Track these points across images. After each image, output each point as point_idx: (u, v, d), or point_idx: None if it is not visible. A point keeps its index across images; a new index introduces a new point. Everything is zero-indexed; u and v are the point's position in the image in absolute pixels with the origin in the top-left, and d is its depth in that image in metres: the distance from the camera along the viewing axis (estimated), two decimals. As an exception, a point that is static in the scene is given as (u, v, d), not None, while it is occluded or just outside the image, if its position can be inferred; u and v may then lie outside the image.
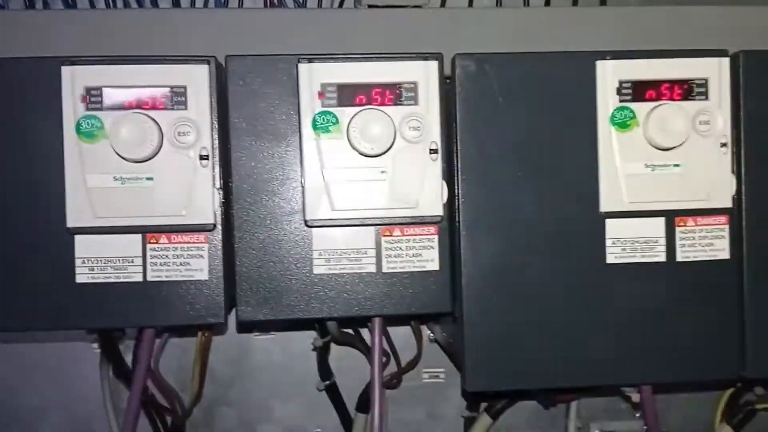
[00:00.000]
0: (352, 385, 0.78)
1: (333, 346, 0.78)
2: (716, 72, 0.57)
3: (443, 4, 0.76)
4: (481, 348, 0.56)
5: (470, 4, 0.77)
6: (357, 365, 0.79)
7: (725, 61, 0.57)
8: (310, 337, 0.77)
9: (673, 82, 0.57)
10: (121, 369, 0.68)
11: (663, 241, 0.57)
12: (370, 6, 0.66)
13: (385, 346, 0.72)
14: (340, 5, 0.75)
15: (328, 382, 0.74)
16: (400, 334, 0.78)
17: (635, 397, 0.63)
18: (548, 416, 0.83)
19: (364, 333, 0.72)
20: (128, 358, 0.68)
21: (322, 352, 0.71)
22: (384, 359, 0.71)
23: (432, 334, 0.78)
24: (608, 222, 0.56)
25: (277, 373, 0.80)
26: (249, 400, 0.80)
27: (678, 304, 0.57)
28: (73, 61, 0.52)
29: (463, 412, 0.77)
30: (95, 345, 0.74)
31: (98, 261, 0.53)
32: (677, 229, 0.57)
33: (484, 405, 0.76)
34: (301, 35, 0.63)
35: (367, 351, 0.70)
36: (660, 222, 0.57)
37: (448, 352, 0.76)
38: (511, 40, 0.65)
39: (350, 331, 0.71)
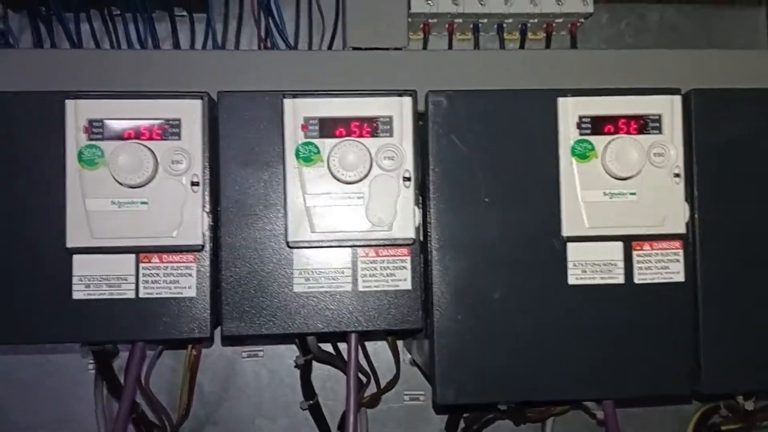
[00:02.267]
0: (337, 406, 0.81)
1: (318, 368, 0.81)
2: (669, 108, 0.62)
3: (425, 47, 0.82)
4: (450, 363, 0.59)
5: (450, 47, 0.82)
6: (340, 387, 0.82)
7: (677, 99, 0.62)
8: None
9: (629, 118, 0.61)
10: (115, 387, 0.71)
11: (621, 264, 0.61)
12: (354, 48, 0.71)
13: (366, 367, 0.76)
14: (329, 47, 0.81)
15: (311, 402, 0.77)
16: (383, 359, 0.82)
17: (600, 415, 0.66)
18: (525, 437, 0.86)
19: (345, 353, 0.75)
20: (122, 377, 0.71)
21: (305, 371, 0.74)
22: (365, 380, 0.75)
23: (411, 357, 0.81)
24: (569, 246, 0.61)
25: (265, 393, 0.84)
26: (236, 419, 0.83)
27: (636, 323, 0.61)
28: (77, 95, 0.57)
29: (442, 433, 0.80)
30: (91, 366, 0.78)
31: (94, 279, 0.57)
32: (634, 252, 0.61)
33: (461, 426, 0.79)
34: (291, 75, 0.67)
35: (346, 369, 0.73)
36: (618, 246, 0.61)
37: (423, 371, 0.80)
38: (486, 81, 0.69)
39: (331, 349, 0.74)
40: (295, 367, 0.75)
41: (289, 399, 0.83)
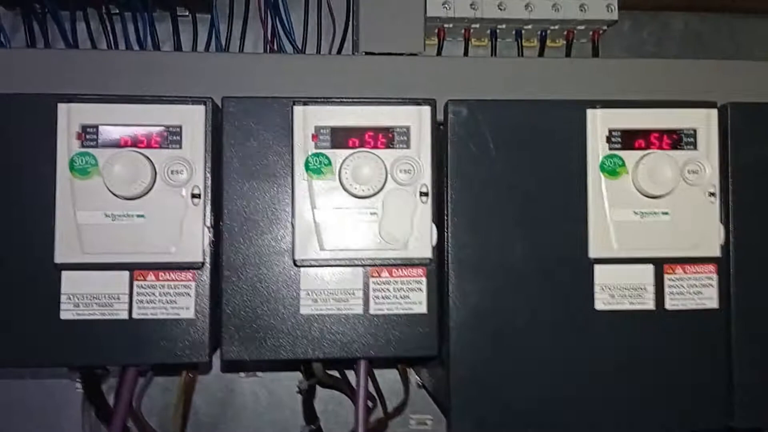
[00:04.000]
0: (339, 430, 0.77)
1: (320, 390, 0.77)
2: (705, 123, 0.58)
3: (439, 53, 0.78)
4: (466, 393, 0.55)
5: (465, 53, 0.78)
6: (342, 409, 0.78)
7: (713, 113, 0.58)
8: (296, 379, 0.77)
9: (662, 132, 0.57)
10: (104, 410, 0.66)
11: (652, 288, 0.57)
12: (367, 53, 0.67)
13: (372, 390, 0.72)
14: (339, 52, 0.77)
15: (313, 427, 0.73)
16: (388, 379, 0.77)
17: (625, 449, 0.62)
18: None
19: (350, 376, 0.71)
20: (111, 399, 0.67)
21: (308, 395, 0.70)
22: (370, 404, 0.71)
23: (420, 380, 0.77)
24: (597, 268, 0.56)
25: (264, 416, 0.79)
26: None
27: (667, 353, 0.57)
28: (70, 98, 0.53)
29: (451, 461, 0.76)
30: (78, 385, 0.74)
31: (84, 297, 0.52)
32: (666, 276, 0.57)
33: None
34: (300, 80, 0.64)
35: (352, 394, 0.69)
36: (649, 269, 0.57)
37: (434, 397, 0.75)
38: (505, 89, 0.66)
39: (336, 373, 0.70)
40: (298, 392, 0.71)
41: (289, 422, 0.79)
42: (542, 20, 0.76)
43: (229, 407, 0.79)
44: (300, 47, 0.76)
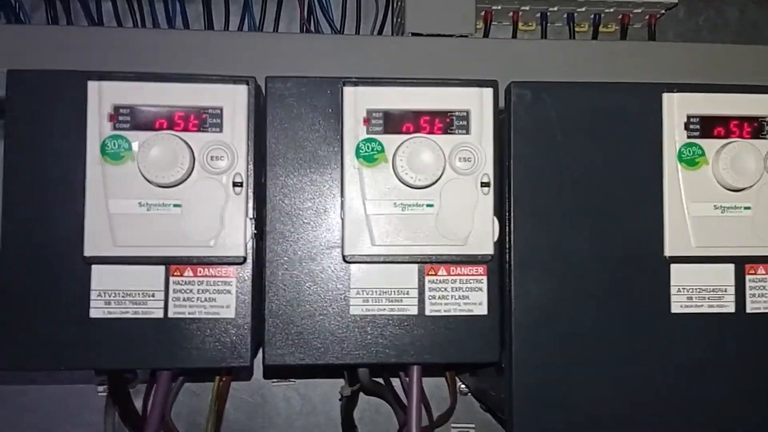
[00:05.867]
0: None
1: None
2: (788, 110, 0.53)
3: (486, 35, 0.73)
4: (530, 402, 0.50)
5: (514, 36, 0.74)
6: (380, 417, 0.73)
7: (797, 99, 0.53)
8: (331, 384, 0.73)
9: (742, 119, 0.53)
10: (129, 413, 0.62)
11: (732, 290, 0.52)
12: (413, 34, 0.62)
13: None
14: (380, 32, 0.72)
15: (351, 436, 0.68)
16: (428, 385, 0.72)
17: (696, 463, 0.57)
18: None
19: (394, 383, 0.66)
20: (137, 403, 0.62)
21: (349, 403, 0.65)
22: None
23: (464, 386, 0.72)
24: (673, 267, 0.52)
25: (296, 423, 0.74)
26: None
27: (747, 359, 0.52)
28: (102, 76, 0.49)
29: (497, 472, 0.71)
30: (100, 388, 0.69)
31: (116, 294, 0.48)
32: (747, 277, 0.52)
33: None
34: (345, 62, 0.60)
35: (396, 403, 0.64)
36: (729, 269, 0.52)
37: (486, 405, 0.70)
38: (564, 74, 0.61)
39: (380, 380, 0.65)
40: (340, 399, 0.66)
41: (323, 430, 0.74)
42: (597, 1, 0.71)
43: (260, 413, 0.74)
44: (338, 28, 0.71)
